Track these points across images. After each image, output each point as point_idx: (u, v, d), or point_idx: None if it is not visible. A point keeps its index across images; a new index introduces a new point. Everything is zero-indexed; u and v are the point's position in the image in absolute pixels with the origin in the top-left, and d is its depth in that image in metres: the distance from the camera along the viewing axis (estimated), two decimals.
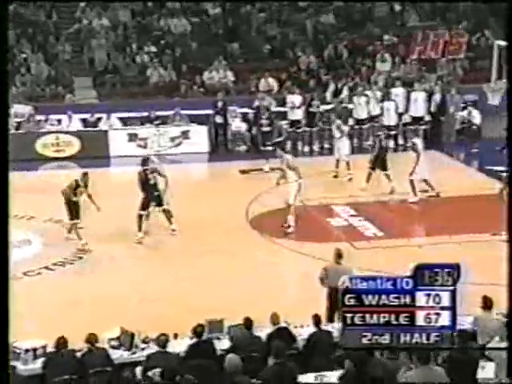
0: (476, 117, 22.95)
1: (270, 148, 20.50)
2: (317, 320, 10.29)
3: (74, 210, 15.56)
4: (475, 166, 21.26)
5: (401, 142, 23.01)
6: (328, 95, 23.63)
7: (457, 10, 27.92)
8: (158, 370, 8.57)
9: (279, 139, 20.34)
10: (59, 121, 22.56)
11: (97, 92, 24.81)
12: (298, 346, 10.23)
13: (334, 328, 10.49)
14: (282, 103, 23.21)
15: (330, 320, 11.23)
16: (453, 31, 20.91)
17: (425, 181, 18.06)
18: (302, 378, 9.10)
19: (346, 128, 20.25)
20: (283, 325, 10.29)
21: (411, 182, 17.99)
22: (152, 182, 15.93)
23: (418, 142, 18.65)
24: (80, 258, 15.10)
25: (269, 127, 21.59)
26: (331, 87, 23.83)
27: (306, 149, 22.87)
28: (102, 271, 14.48)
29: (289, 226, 16.22)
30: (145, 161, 16.36)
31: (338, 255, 11.88)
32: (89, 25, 25.99)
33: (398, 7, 27.78)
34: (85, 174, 15.90)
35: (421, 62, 25.39)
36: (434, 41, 17.52)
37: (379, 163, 18.66)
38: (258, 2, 26.89)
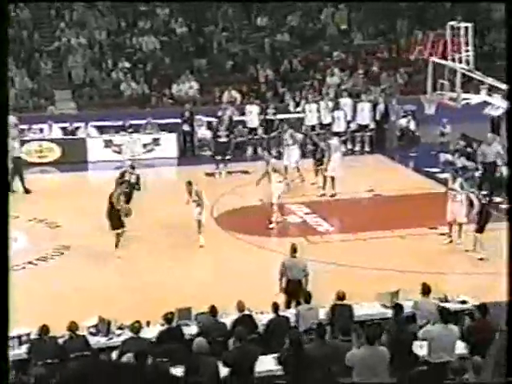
0: (413, 125, 23.18)
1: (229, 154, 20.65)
2: (275, 307, 10.32)
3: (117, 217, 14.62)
4: (414, 168, 21.45)
5: (349, 146, 23.11)
6: (291, 107, 23.65)
7: (395, 31, 28.20)
8: (131, 354, 8.49)
9: (240, 139, 20.29)
10: (41, 130, 22.30)
11: (75, 103, 24.57)
12: (259, 331, 10.23)
13: (291, 313, 10.53)
14: (243, 113, 23.20)
15: (288, 306, 11.26)
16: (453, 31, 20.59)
17: (331, 178, 18.06)
18: (262, 358, 9.12)
19: (299, 136, 20.28)
20: (247, 312, 10.29)
21: (324, 177, 18.23)
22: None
23: (333, 142, 18.56)
24: (61, 253, 14.94)
25: (229, 135, 21.55)
26: (291, 101, 23.86)
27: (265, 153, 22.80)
28: (81, 265, 14.33)
29: (271, 222, 16.27)
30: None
31: (293, 249, 11.90)
32: (68, 43, 25.72)
33: (344, 27, 27.98)
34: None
35: (366, 76, 25.62)
36: (433, 41, 17.48)
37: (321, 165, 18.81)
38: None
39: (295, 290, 11.42)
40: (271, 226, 16.26)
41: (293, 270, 11.60)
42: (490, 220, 14.00)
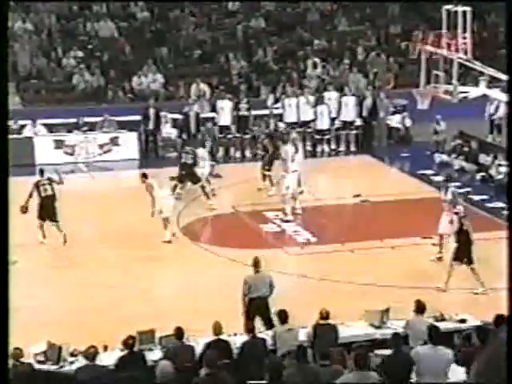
0: (408, 122, 23.33)
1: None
2: (250, 328, 10.30)
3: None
4: (406, 171, 21.57)
5: (333, 146, 23.18)
6: (269, 102, 23.70)
7: (386, 15, 28.42)
8: None
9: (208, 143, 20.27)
10: None
11: (20, 98, 24.40)
12: (233, 355, 10.21)
13: (268, 335, 10.52)
14: (214, 109, 23.21)
15: (251, 330, 10.84)
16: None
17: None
18: None
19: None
20: (222, 336, 10.25)
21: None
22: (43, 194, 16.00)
23: (288, 149, 18.55)
24: None
25: (196, 133, 21.62)
26: (271, 95, 23.92)
27: (238, 154, 22.86)
28: (24, 281, 14.17)
29: (286, 214, 17.10)
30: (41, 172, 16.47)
31: (255, 263, 11.85)
32: (11, 28, 25.55)
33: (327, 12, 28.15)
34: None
35: (351, 66, 25.75)
36: (433, 40, 17.54)
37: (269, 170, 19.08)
38: None
39: (261, 309, 11.44)
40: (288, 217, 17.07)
41: (258, 287, 11.62)
42: (471, 242, 13.77)
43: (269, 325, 11.31)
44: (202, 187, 18.33)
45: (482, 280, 13.47)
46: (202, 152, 18.73)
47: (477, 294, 13.51)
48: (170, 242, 15.94)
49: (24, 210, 15.55)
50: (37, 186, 16.06)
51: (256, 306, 11.51)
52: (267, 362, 8.72)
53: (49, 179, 16.27)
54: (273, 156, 18.98)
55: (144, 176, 16.24)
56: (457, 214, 14.00)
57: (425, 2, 26.98)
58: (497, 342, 6.21)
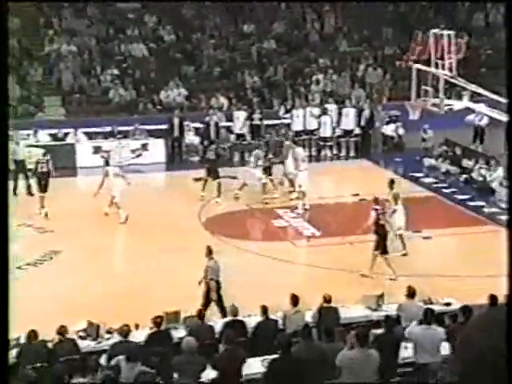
0: (401, 130, 23.26)
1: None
2: (264, 310, 10.29)
3: None
4: (399, 173, 21.49)
5: (335, 151, 23.16)
6: (280, 113, 23.68)
7: (381, 37, 28.32)
8: (120, 357, 8.46)
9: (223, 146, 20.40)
10: (28, 135, 22.19)
11: (65, 110, 24.50)
12: (248, 334, 10.21)
13: (279, 317, 10.53)
14: (231, 119, 23.22)
15: (205, 308, 11.15)
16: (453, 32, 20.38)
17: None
18: (249, 361, 9.11)
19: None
20: (239, 317, 10.26)
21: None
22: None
23: (300, 151, 18.62)
24: (50, 258, 14.86)
25: (215, 140, 21.61)
26: (282, 107, 23.90)
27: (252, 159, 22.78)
28: (70, 270, 14.28)
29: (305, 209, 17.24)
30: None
31: (209, 251, 11.88)
32: (57, 50, 25.65)
33: (330, 32, 28.08)
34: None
35: (352, 81, 25.69)
36: (433, 41, 17.42)
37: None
38: None
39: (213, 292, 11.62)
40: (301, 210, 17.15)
41: (212, 273, 11.69)
42: (386, 235, 13.64)
43: (220, 305, 11.46)
44: (219, 184, 18.26)
45: (393, 268, 13.37)
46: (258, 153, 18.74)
47: (392, 279, 13.36)
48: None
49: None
50: None
51: (214, 288, 11.60)
52: (277, 340, 8.72)
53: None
54: (270, 162, 18.82)
55: None
56: (376, 210, 13.82)
57: (414, 25, 26.85)
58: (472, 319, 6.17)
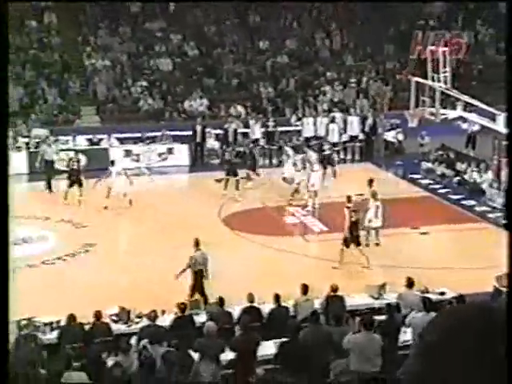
0: (401, 136, 23.20)
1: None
2: (277, 298, 10.30)
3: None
4: (399, 175, 21.44)
5: (342, 156, 23.12)
6: (292, 120, 23.70)
7: (382, 53, 28.22)
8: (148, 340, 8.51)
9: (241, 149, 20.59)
10: (67, 141, 22.36)
11: (99, 118, 24.64)
12: (263, 320, 10.22)
13: (290, 304, 10.54)
14: (247, 126, 23.25)
15: (191, 295, 11.24)
16: (453, 32, 19.85)
17: (315, 192, 17.54)
18: (264, 343, 9.13)
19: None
20: (254, 304, 10.27)
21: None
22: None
23: (313, 154, 18.55)
24: (87, 250, 14.96)
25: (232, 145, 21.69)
26: (294, 115, 23.91)
27: (266, 161, 22.86)
28: (104, 261, 14.37)
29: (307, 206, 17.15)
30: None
31: (196, 243, 11.90)
32: (93, 64, 25.80)
33: (337, 48, 28.02)
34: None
35: (357, 92, 25.64)
36: (433, 41, 17.23)
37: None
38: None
39: (201, 280, 11.59)
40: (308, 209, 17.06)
41: (199, 262, 11.67)
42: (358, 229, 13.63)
43: (203, 294, 11.41)
44: (237, 182, 18.44)
45: (367, 256, 13.38)
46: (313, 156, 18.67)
47: (365, 267, 13.34)
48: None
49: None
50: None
51: (199, 277, 11.59)
52: (288, 325, 8.74)
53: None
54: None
55: None
56: (348, 207, 13.73)
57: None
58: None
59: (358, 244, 13.51)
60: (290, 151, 19.49)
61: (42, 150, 20.32)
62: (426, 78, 17.77)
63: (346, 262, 13.61)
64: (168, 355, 8.40)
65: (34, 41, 26.09)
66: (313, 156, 18.25)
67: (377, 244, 14.68)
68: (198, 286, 11.53)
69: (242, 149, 21.25)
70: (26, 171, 21.05)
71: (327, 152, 20.05)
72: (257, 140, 22.76)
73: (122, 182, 17.44)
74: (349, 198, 14.07)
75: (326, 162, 19.46)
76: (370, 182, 15.10)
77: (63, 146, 22.09)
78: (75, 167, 18.21)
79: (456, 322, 1.32)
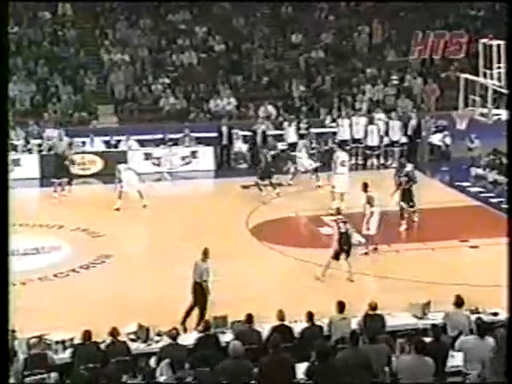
0: (448, 140, 22.99)
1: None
2: (310, 316, 10.22)
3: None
4: (445, 182, 21.22)
5: (382, 161, 23.00)
6: (327, 121, 23.66)
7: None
8: (168, 361, 8.50)
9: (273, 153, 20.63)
10: (83, 143, 22.58)
11: (117, 118, 24.86)
12: (295, 339, 10.16)
13: (324, 323, 10.46)
14: (279, 127, 23.24)
15: (191, 308, 11.51)
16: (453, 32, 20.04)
17: (340, 194, 17.92)
18: (298, 366, 9.06)
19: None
20: (285, 322, 10.22)
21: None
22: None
23: (340, 155, 18.65)
24: (103, 262, 15.05)
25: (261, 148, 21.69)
26: (328, 116, 23.87)
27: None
28: (122, 273, 14.44)
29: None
30: None
31: (204, 253, 11.99)
32: (111, 60, 26.06)
33: (378, 43, 27.90)
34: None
35: (399, 89, 25.48)
36: (434, 41, 17.20)
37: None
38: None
39: (195, 293, 11.67)
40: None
41: (198, 273, 11.74)
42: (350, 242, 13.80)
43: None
44: (271, 183, 19.06)
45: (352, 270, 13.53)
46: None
47: (351, 280, 13.48)
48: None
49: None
50: None
51: (205, 289, 11.69)
52: (316, 346, 8.64)
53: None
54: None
55: None
56: (335, 220, 13.97)
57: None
58: None
59: (348, 255, 13.77)
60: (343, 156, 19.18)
61: (54, 150, 20.65)
62: (476, 74, 17.58)
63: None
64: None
65: (48, 34, 26.47)
66: (340, 157, 18.23)
67: (366, 253, 14.91)
68: (198, 301, 11.57)
69: (277, 152, 21.31)
70: (38, 175, 21.31)
71: (362, 156, 20.05)
72: (293, 144, 22.06)
73: (132, 176, 17.67)
74: (338, 210, 14.51)
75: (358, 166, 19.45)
76: (365, 186, 15.13)
77: (78, 149, 22.34)
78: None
79: None
